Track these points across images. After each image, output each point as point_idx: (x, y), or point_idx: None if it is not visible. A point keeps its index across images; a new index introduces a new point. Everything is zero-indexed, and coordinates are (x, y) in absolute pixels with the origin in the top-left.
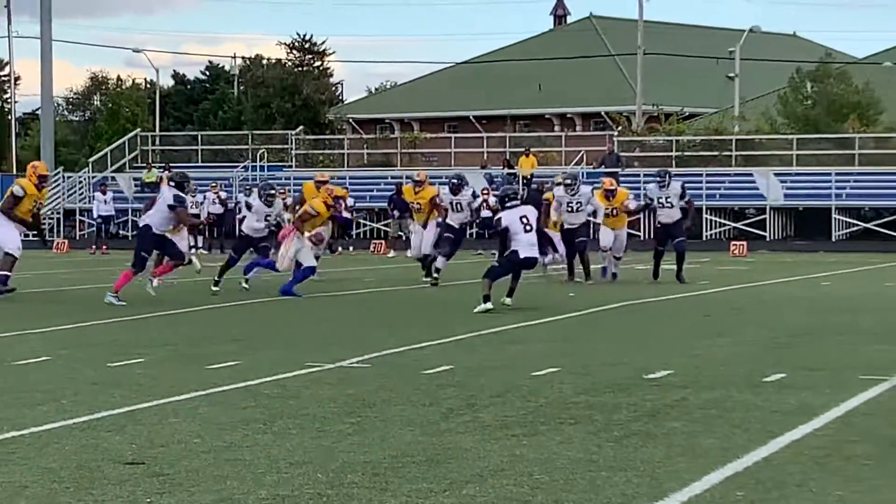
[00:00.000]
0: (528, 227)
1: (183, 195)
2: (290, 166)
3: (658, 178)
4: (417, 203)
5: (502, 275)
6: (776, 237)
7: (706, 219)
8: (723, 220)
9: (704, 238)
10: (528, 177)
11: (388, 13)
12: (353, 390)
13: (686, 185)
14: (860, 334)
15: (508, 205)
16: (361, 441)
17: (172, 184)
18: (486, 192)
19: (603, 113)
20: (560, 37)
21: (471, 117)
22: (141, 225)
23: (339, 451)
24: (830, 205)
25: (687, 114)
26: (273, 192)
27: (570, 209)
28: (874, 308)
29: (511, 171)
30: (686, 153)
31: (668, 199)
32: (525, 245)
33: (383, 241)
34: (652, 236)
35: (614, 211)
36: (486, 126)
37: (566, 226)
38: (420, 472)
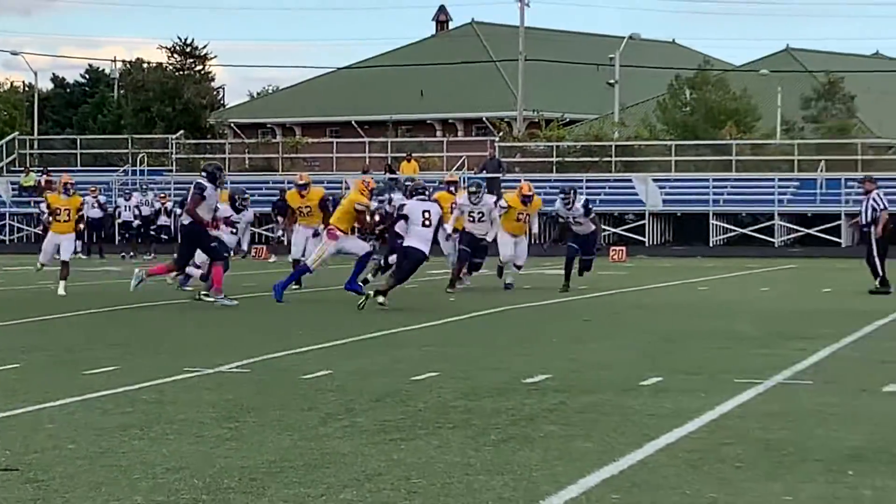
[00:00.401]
0: (426, 222)
1: (204, 184)
2: (171, 171)
3: (562, 196)
4: (307, 206)
5: (408, 272)
6: (655, 242)
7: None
8: (602, 226)
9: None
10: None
11: (270, 17)
12: (231, 395)
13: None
14: (736, 338)
15: (416, 197)
16: (239, 446)
17: (205, 174)
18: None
19: (484, 118)
20: (442, 42)
21: (353, 122)
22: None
23: (216, 456)
24: (708, 210)
25: (567, 120)
26: (246, 197)
27: (471, 219)
28: (750, 312)
29: (393, 175)
30: (566, 159)
31: (576, 219)
32: (417, 238)
33: (264, 247)
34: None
35: (526, 217)
36: (367, 131)
37: (477, 234)
38: (297, 477)
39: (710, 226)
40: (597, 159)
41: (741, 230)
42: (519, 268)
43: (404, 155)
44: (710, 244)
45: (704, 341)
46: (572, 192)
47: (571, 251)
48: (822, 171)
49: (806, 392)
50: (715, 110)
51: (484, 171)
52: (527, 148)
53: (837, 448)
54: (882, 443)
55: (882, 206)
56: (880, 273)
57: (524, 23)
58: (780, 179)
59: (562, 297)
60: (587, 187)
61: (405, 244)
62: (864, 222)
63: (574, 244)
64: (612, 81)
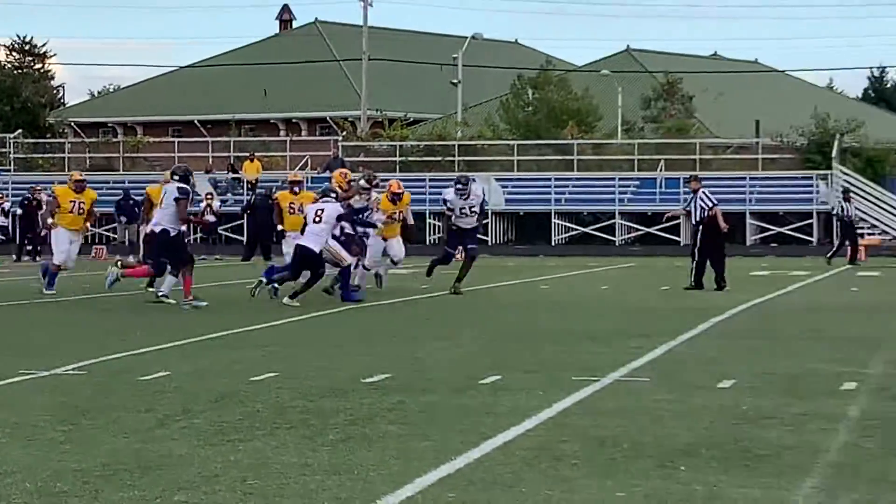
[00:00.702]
0: (316, 219)
1: (187, 188)
2: (8, 170)
3: (458, 186)
4: (80, 202)
5: (294, 269)
6: (497, 241)
7: (428, 223)
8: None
9: (428, 242)
10: (254, 181)
11: (111, 16)
12: (66, 398)
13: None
14: (575, 336)
15: (323, 199)
16: (73, 449)
17: (176, 177)
18: (210, 196)
19: (328, 118)
20: (285, 41)
21: (195, 121)
22: (157, 231)
23: (50, 459)
24: (550, 209)
25: (411, 119)
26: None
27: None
28: (590, 310)
29: (236, 175)
30: (410, 158)
31: (472, 209)
32: (307, 235)
33: (104, 247)
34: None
35: (399, 215)
36: (210, 130)
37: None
38: (132, 480)
39: (553, 225)
40: (440, 159)
41: (583, 229)
42: (396, 264)
43: (247, 154)
44: (553, 243)
45: (544, 339)
46: (469, 181)
47: (448, 256)
48: (661, 170)
49: (642, 389)
50: (557, 110)
51: (328, 171)
52: (370, 147)
53: (671, 444)
54: (714, 439)
55: (711, 203)
56: (720, 271)
57: (367, 22)
58: (620, 179)
59: (404, 296)
60: (430, 187)
61: (296, 242)
62: (695, 221)
63: (451, 249)
64: (455, 81)
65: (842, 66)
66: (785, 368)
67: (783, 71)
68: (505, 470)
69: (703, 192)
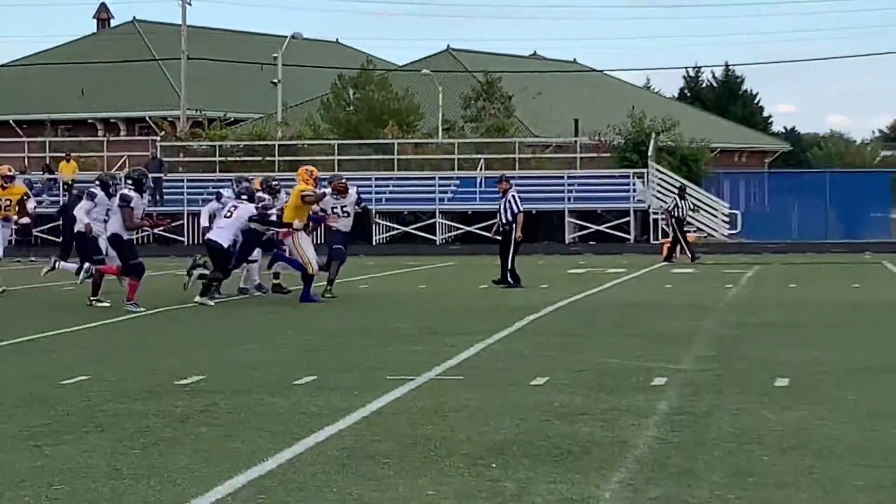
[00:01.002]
0: (227, 214)
1: (130, 195)
2: None
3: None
4: (7, 199)
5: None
6: (320, 242)
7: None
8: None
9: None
10: (70, 182)
11: None
12: None
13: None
14: (391, 335)
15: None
16: None
17: (130, 181)
18: (27, 196)
19: (147, 118)
20: (103, 40)
21: (10, 121)
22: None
23: None
24: (371, 209)
25: (232, 119)
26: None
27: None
28: (407, 309)
29: (52, 176)
30: (229, 158)
31: (345, 209)
32: (215, 228)
33: None
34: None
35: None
36: (26, 130)
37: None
38: None
39: (374, 224)
40: (260, 158)
41: (404, 228)
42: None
43: (63, 155)
44: (374, 242)
45: (360, 339)
46: (346, 181)
47: (338, 253)
48: (481, 169)
49: (456, 387)
50: (378, 110)
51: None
52: (189, 147)
53: (483, 442)
54: (525, 436)
55: (517, 209)
56: (510, 268)
57: (186, 21)
58: (440, 178)
59: (228, 298)
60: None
61: (207, 235)
62: (503, 221)
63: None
64: (275, 81)
65: (659, 66)
66: (598, 365)
67: (601, 71)
68: (316, 470)
69: (513, 195)
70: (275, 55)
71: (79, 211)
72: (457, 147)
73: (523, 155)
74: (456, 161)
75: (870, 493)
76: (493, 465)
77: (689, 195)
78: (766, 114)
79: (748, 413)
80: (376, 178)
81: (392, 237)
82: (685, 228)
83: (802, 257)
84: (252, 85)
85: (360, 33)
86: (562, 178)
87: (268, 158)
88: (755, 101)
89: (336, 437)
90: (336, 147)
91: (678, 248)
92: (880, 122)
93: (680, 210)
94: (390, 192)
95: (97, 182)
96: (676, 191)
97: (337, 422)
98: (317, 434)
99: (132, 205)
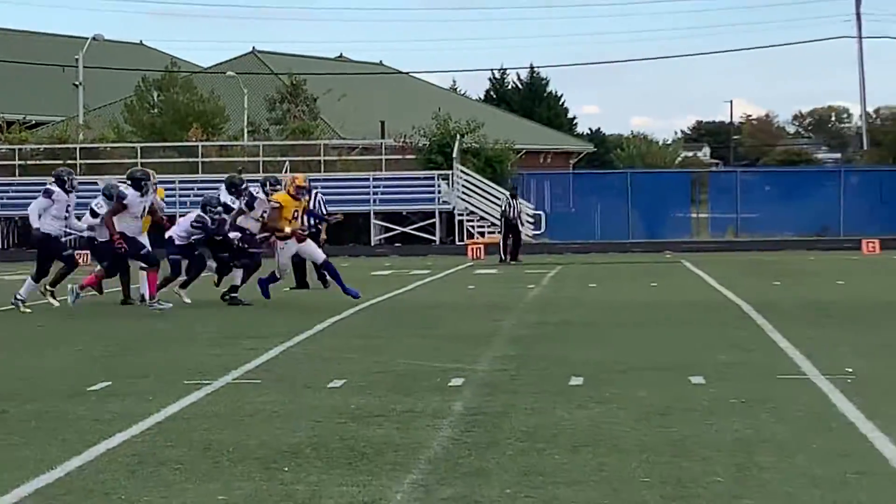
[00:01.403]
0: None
1: (124, 193)
2: None
3: (231, 189)
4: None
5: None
6: None
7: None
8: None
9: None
10: None
11: None
12: None
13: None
14: (189, 339)
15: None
16: None
17: (129, 182)
18: None
19: None
20: None
21: None
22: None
23: None
24: (175, 213)
25: (32, 122)
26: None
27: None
28: (207, 314)
29: None
30: (30, 162)
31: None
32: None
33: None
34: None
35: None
36: None
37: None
38: None
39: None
40: (61, 162)
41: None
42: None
43: None
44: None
45: (157, 344)
46: (278, 183)
47: (259, 258)
48: (286, 171)
49: (253, 391)
50: (183, 112)
51: None
52: None
53: (277, 445)
54: (319, 439)
55: (324, 212)
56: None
57: None
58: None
59: (32, 304)
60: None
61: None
62: (309, 224)
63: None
64: (77, 83)
65: (465, 68)
66: (396, 366)
67: (408, 73)
68: (106, 477)
69: (320, 199)
70: (77, 57)
71: (32, 210)
72: (262, 149)
73: (329, 157)
74: (261, 164)
75: (656, 488)
76: (286, 469)
77: (483, 197)
78: (571, 115)
79: (542, 412)
80: (179, 182)
81: (198, 241)
82: (521, 229)
83: (604, 257)
84: (54, 87)
85: (165, 35)
86: (367, 179)
87: (69, 162)
88: (560, 103)
89: (128, 444)
90: (139, 150)
91: (481, 248)
92: (683, 123)
93: (512, 210)
94: (194, 196)
95: (53, 178)
96: (508, 193)
97: (129, 428)
98: (108, 441)
99: (126, 202)
